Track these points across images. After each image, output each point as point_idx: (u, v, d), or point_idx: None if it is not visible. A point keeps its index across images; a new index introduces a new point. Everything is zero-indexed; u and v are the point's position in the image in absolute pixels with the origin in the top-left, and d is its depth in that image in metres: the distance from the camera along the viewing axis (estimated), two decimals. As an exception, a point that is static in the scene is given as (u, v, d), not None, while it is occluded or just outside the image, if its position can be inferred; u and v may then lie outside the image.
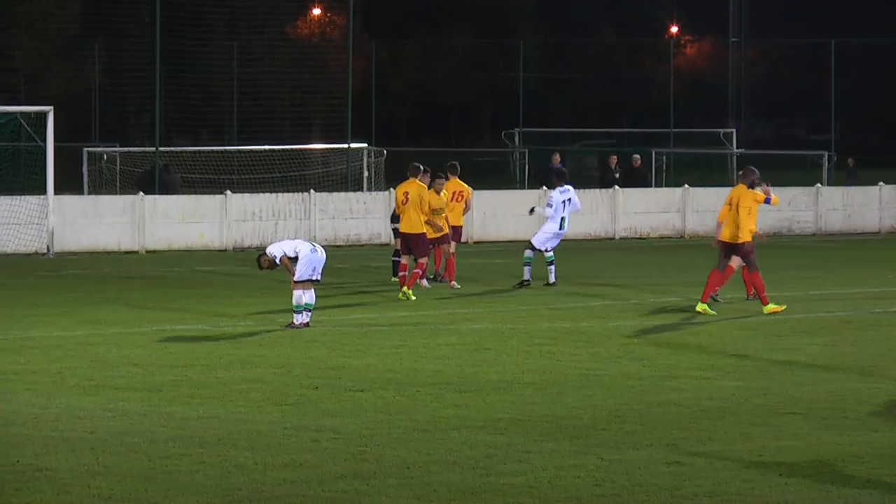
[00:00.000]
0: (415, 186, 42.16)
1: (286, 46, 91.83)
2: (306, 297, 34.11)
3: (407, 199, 41.78)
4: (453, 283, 44.06)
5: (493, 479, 20.26)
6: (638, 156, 75.01)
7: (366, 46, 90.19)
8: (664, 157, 79.35)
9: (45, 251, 54.01)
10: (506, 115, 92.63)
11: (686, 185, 67.44)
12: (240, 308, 39.04)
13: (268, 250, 35.34)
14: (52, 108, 55.41)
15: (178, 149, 74.50)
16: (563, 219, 45.33)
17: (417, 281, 41.54)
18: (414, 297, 40.48)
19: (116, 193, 67.55)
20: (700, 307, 37.98)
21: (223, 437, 22.92)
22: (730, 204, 38.43)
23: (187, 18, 79.14)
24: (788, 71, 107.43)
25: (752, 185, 38.95)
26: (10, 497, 18.26)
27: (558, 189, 46.50)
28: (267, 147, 72.41)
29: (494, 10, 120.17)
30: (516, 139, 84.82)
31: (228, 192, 59.11)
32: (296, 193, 59.25)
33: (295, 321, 34.37)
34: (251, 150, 74.54)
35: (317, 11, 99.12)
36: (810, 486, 19.92)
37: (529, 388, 27.66)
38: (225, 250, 55.93)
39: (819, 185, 69.52)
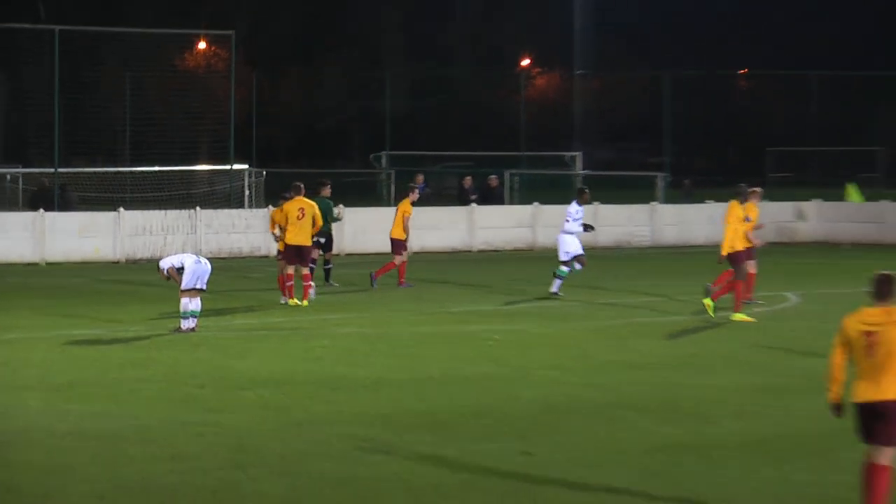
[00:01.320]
0: (307, 203, 41.81)
1: (175, 77, 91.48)
2: (192, 304, 34.06)
3: (303, 215, 41.23)
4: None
5: (361, 469, 20.33)
6: (494, 176, 75.14)
7: (248, 77, 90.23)
8: (517, 178, 79.50)
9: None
10: (377, 139, 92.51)
11: (536, 203, 67.54)
12: (131, 314, 38.77)
13: (160, 264, 35.47)
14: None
15: (76, 170, 74.00)
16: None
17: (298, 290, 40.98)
18: (306, 303, 40.48)
19: (19, 210, 67.09)
20: (737, 317, 37.40)
21: (116, 432, 22.89)
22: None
23: (84, 50, 78.70)
24: (628, 100, 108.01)
25: (743, 200, 38.84)
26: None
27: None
28: (157, 168, 72.17)
29: (367, 44, 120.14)
30: (383, 161, 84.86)
31: (122, 209, 58.92)
32: (183, 210, 59.14)
33: (182, 326, 34.18)
34: (143, 171, 73.93)
35: (202, 45, 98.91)
36: (644, 472, 20.18)
37: (395, 386, 27.63)
38: (118, 262, 55.62)
39: (654, 202, 69.75)
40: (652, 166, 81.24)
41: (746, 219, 38.71)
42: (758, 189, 40.41)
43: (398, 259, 46.20)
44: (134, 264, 53.56)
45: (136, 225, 56.66)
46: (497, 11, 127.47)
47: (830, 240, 68.73)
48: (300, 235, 41.35)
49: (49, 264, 54.67)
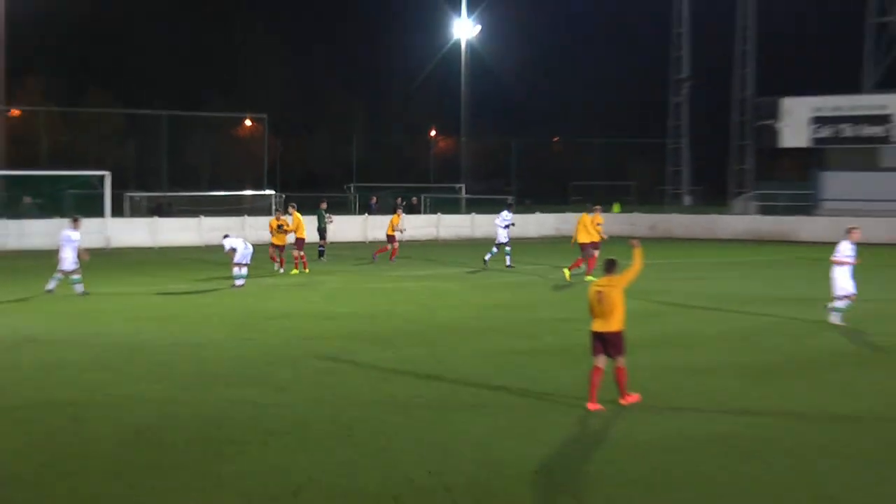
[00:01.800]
0: (295, 216, 40.57)
1: (231, 139, 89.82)
2: (241, 271, 33.89)
3: (286, 223, 40.33)
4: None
5: (338, 364, 20.35)
6: (416, 198, 75.32)
7: (273, 140, 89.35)
8: (428, 199, 79.23)
9: None
10: (349, 176, 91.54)
11: (439, 213, 67.38)
12: (207, 276, 38.11)
13: (224, 243, 34.91)
14: None
15: (175, 194, 72.02)
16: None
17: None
18: (296, 272, 39.49)
19: (142, 216, 66.19)
20: (588, 278, 35.71)
21: (197, 342, 22.93)
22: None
23: (180, 124, 77.18)
24: (492, 153, 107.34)
25: (591, 212, 38.33)
26: None
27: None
28: (224, 193, 70.87)
29: (342, 119, 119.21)
30: (352, 189, 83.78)
31: (202, 216, 58.27)
32: (237, 217, 58.45)
33: (235, 283, 33.81)
34: (216, 195, 71.11)
35: (248, 123, 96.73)
36: (498, 368, 20.45)
37: (356, 317, 27.25)
38: (200, 247, 54.83)
39: (473, 214, 69.34)
40: (505, 192, 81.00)
41: (599, 224, 38.02)
42: (599, 206, 40.37)
43: (390, 246, 45.14)
44: (208, 248, 52.72)
45: (211, 225, 55.94)
46: (416, 99, 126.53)
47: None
48: (283, 238, 40.20)
49: (160, 248, 54.20)
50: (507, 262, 41.72)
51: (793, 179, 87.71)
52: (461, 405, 17.00)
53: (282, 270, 39.73)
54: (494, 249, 42.12)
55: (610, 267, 16.92)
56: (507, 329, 25.68)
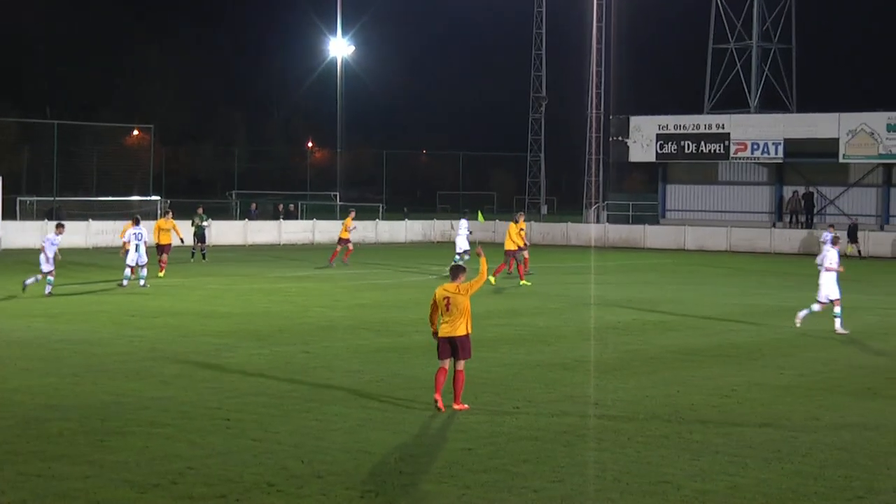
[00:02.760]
0: (170, 222, 39.56)
1: (122, 148, 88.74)
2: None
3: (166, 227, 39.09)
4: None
5: (220, 360, 20.27)
6: (293, 204, 75.06)
7: (157, 146, 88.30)
8: (305, 205, 78.95)
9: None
10: (231, 184, 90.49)
11: (314, 219, 67.30)
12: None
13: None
14: None
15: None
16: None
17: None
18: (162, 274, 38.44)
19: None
20: (522, 283, 36.40)
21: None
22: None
23: (73, 134, 75.96)
24: (366, 164, 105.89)
25: (516, 221, 37.56)
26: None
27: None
28: (108, 199, 69.74)
29: (225, 131, 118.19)
30: (234, 195, 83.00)
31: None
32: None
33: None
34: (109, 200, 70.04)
35: (136, 133, 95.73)
36: (372, 361, 20.48)
37: (237, 316, 27.09)
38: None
39: (378, 220, 69.52)
40: (375, 200, 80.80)
41: (522, 230, 37.40)
42: (522, 213, 40.29)
43: (341, 247, 44.25)
44: (96, 250, 51.24)
45: (99, 229, 54.69)
46: (294, 112, 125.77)
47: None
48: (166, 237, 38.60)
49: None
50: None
51: (641, 191, 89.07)
52: (333, 399, 17.00)
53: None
54: (464, 258, 40.86)
55: (457, 273, 16.61)
56: (375, 326, 25.72)
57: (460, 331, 16.30)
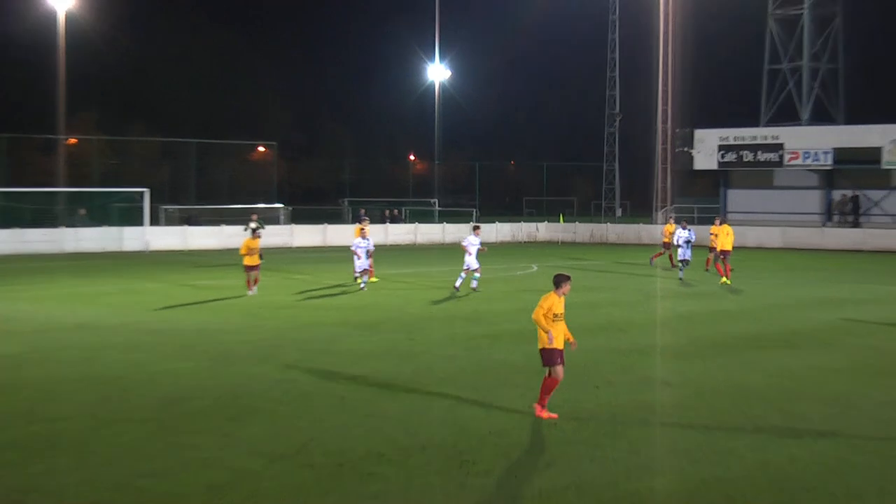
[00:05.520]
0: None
1: (251, 161, 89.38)
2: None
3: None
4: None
5: (342, 343, 20.26)
6: (397, 210, 75.03)
7: (280, 162, 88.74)
8: (408, 210, 78.91)
9: None
10: (342, 192, 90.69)
11: (416, 223, 67.00)
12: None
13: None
14: None
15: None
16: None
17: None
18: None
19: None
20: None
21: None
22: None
23: (210, 151, 76.64)
24: (459, 174, 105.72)
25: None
26: None
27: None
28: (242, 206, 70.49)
29: (335, 149, 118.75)
30: (346, 202, 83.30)
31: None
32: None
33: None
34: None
35: (262, 149, 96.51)
36: (466, 346, 20.33)
37: (365, 308, 27.29)
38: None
39: (444, 224, 68.85)
40: (469, 206, 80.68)
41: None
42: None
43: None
44: (227, 251, 51.76)
45: (230, 232, 55.42)
46: (398, 129, 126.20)
47: (552, 240, 69.12)
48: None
49: (188, 251, 53.40)
50: (457, 283, 31.88)
51: (705, 196, 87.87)
52: (433, 380, 17.00)
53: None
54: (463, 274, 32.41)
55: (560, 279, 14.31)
56: (470, 317, 25.39)
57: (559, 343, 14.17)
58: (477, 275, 31.45)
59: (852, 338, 22.45)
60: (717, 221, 38.29)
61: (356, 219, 68.65)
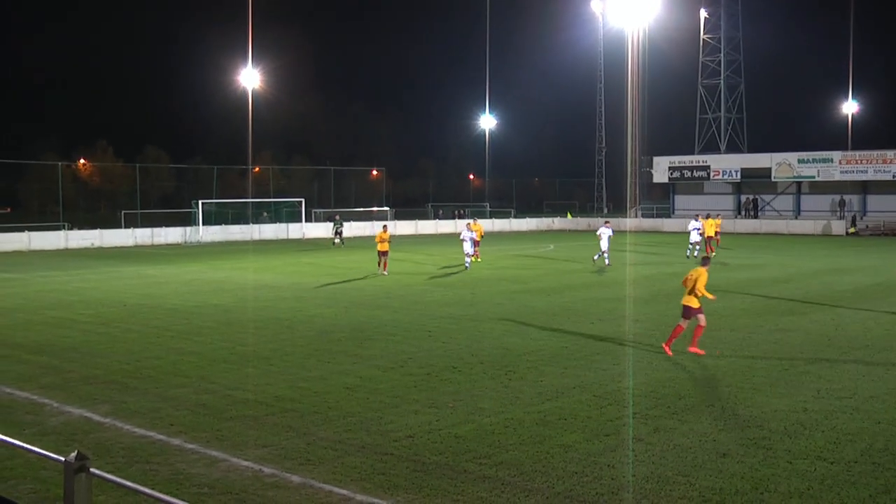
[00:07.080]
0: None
1: (369, 181, 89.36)
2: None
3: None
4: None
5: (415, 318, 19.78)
6: (463, 210, 74.15)
7: (387, 180, 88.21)
8: (468, 211, 77.86)
9: None
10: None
11: (475, 219, 66.41)
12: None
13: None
14: None
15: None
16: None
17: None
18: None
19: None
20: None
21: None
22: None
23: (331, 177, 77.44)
24: (503, 188, 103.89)
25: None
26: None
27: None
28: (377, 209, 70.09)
29: (405, 158, 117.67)
30: (430, 206, 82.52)
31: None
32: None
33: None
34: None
35: (375, 172, 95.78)
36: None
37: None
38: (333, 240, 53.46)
39: (493, 220, 68.00)
40: (508, 207, 79.43)
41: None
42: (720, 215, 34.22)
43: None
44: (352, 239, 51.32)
45: (355, 227, 55.35)
46: (461, 157, 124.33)
47: (563, 228, 67.71)
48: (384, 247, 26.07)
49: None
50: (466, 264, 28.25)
51: (660, 199, 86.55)
52: (486, 318, 16.70)
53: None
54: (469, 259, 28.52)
55: (705, 262, 13.15)
56: (512, 279, 24.07)
57: (694, 302, 12.91)
58: (468, 259, 27.97)
59: (879, 303, 18.82)
60: (703, 216, 34.89)
61: (436, 216, 68.60)
